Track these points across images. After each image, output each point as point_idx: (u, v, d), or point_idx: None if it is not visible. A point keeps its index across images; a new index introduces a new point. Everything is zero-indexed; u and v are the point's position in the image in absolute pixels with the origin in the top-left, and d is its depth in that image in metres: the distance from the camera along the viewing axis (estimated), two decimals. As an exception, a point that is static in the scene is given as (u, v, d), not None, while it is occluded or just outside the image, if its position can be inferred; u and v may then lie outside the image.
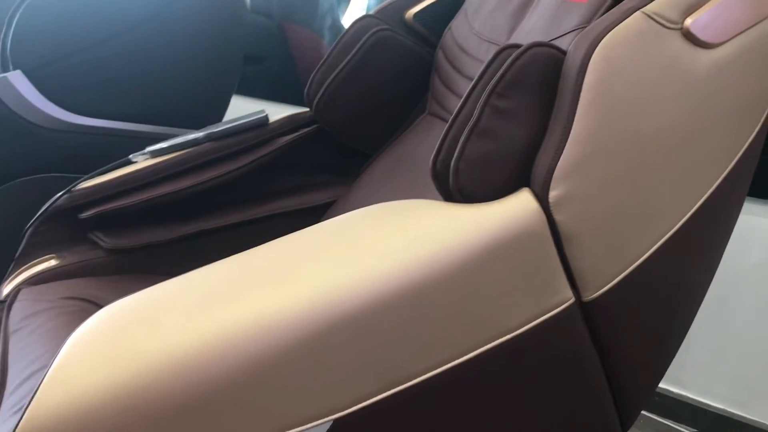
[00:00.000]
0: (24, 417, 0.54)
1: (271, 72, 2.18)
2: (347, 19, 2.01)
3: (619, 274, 0.69)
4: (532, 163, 0.65)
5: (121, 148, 1.12)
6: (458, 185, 0.65)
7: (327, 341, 0.58)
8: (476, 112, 0.65)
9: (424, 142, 1.01)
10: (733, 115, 0.74)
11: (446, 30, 1.06)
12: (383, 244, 0.62)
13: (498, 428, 0.70)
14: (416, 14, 1.08)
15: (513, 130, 0.65)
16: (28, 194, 1.31)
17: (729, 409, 1.44)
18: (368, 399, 0.60)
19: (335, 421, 0.59)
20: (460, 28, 1.03)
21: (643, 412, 1.51)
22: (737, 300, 1.41)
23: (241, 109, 1.27)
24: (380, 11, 1.08)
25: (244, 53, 1.59)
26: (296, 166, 1.10)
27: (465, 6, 1.05)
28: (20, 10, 1.27)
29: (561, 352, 0.69)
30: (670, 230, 0.71)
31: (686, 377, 1.48)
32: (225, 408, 0.56)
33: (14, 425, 0.55)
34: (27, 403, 0.55)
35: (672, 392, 1.51)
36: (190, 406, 0.55)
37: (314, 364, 0.58)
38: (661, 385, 1.50)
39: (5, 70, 1.29)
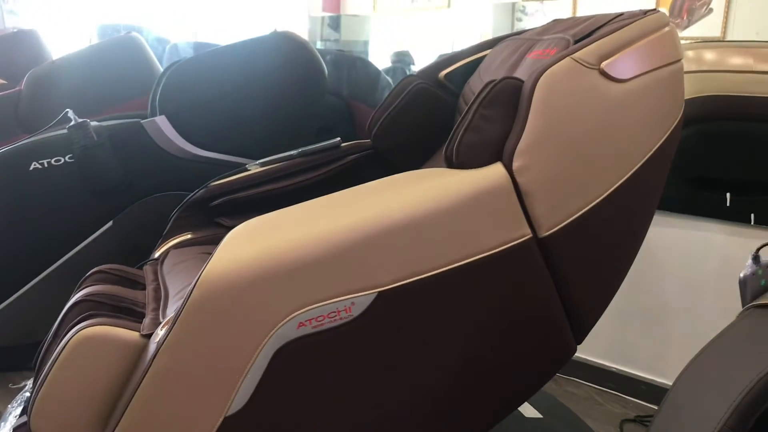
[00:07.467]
0: (204, 270, 0.95)
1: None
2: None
3: (564, 221, 1.07)
4: (503, 147, 1.06)
5: (219, 173, 1.55)
6: (459, 160, 1.06)
7: (372, 243, 0.97)
8: (469, 117, 1.07)
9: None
10: (640, 127, 1.14)
11: (466, 84, 1.50)
12: (411, 189, 1.03)
13: (476, 331, 1.06)
14: (446, 75, 1.53)
15: (491, 127, 1.07)
16: (157, 206, 1.77)
17: (700, 393, 1.75)
18: (399, 282, 0.99)
19: (379, 293, 0.99)
20: (475, 81, 1.47)
21: (632, 398, 1.83)
22: (702, 303, 1.74)
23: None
24: (420, 72, 1.53)
25: (319, 125, 2.05)
26: (358, 179, 1.52)
27: (479, 68, 1.49)
28: (168, 73, 1.78)
29: (523, 273, 1.06)
30: (599, 197, 1.10)
31: (666, 368, 1.80)
32: (318, 272, 0.95)
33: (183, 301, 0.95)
34: (198, 276, 0.96)
35: (656, 381, 1.83)
36: (299, 270, 0.94)
37: (366, 254, 0.97)
38: (646, 375, 1.83)
39: (153, 115, 1.78)
